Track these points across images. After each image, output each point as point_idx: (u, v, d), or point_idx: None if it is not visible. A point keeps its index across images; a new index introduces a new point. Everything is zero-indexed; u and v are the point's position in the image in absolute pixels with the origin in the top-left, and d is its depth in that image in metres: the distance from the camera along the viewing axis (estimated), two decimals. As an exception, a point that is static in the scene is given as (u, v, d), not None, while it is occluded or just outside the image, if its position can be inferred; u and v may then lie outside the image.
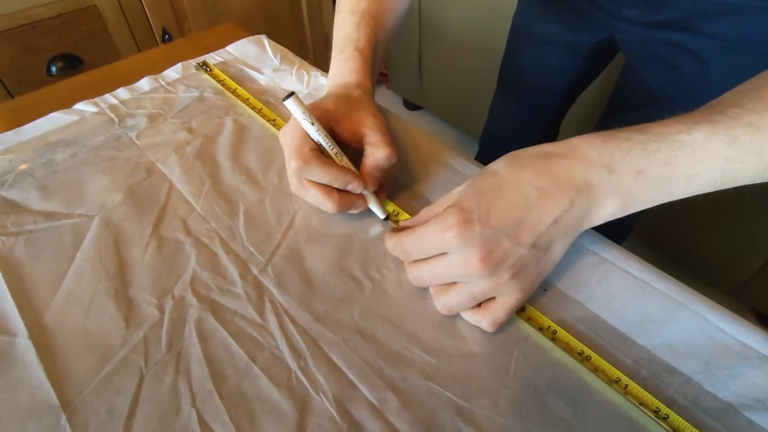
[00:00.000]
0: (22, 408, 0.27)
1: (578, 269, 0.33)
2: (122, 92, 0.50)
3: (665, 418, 0.26)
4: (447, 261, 0.29)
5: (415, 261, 0.31)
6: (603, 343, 0.29)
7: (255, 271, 0.34)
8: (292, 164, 0.33)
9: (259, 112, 0.47)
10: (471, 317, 0.30)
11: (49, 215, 0.37)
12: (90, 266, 0.34)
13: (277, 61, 0.54)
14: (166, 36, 1.14)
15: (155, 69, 0.53)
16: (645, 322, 0.30)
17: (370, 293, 0.32)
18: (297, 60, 0.54)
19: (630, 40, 0.53)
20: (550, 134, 0.79)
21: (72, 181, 0.40)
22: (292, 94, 0.33)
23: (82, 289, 0.32)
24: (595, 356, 0.28)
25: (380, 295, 0.32)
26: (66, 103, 0.48)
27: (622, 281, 0.32)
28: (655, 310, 0.31)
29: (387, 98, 1.82)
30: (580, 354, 0.28)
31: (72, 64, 1.03)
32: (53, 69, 1.02)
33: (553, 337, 0.29)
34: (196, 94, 0.50)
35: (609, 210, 0.28)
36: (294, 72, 0.52)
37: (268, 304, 0.32)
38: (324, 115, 0.36)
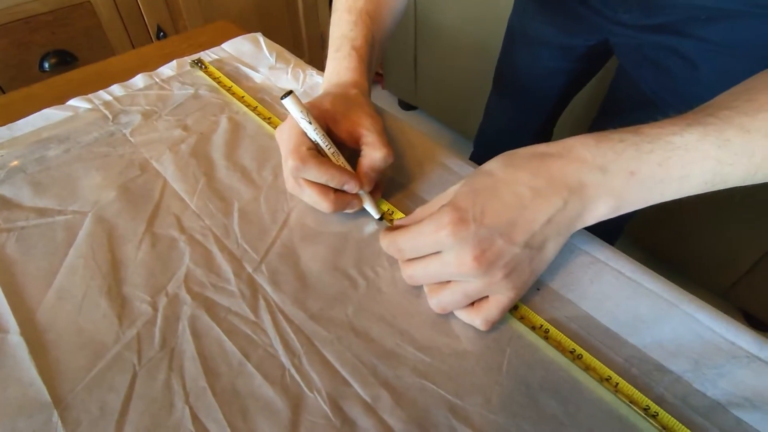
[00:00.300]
0: (13, 405, 0.26)
1: (571, 269, 0.33)
2: (116, 89, 0.49)
3: (654, 416, 0.26)
4: (441, 260, 0.29)
5: (410, 260, 0.31)
6: (594, 342, 0.30)
7: (249, 269, 0.34)
8: (288, 163, 0.33)
9: (254, 110, 0.47)
10: (464, 316, 0.30)
11: (41, 212, 0.37)
12: (83, 263, 0.34)
13: (272, 59, 0.54)
14: (161, 33, 1.14)
15: (150, 66, 0.53)
16: (636, 322, 0.30)
17: (364, 291, 0.32)
18: (293, 58, 0.54)
19: (624, 43, 0.53)
20: (544, 135, 0.79)
21: (65, 178, 0.40)
22: (290, 92, 0.33)
23: (74, 286, 0.32)
24: (586, 355, 0.29)
25: (374, 293, 0.32)
26: (59, 99, 0.48)
27: (614, 281, 0.32)
28: (647, 309, 0.31)
29: (382, 98, 1.82)
30: (571, 353, 0.29)
31: (65, 61, 1.03)
32: (46, 65, 1.01)
33: (545, 335, 0.30)
34: (191, 91, 0.50)
35: (602, 210, 0.29)
36: (289, 70, 0.52)
37: (262, 302, 0.32)
38: (321, 114, 0.36)
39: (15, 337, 0.29)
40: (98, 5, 1.03)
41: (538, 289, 0.33)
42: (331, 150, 0.35)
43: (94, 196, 0.38)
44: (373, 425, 0.26)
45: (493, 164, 0.31)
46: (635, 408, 0.26)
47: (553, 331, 0.30)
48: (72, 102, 0.47)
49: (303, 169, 0.33)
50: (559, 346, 0.29)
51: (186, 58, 0.54)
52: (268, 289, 0.32)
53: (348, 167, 0.36)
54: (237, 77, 0.52)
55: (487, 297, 0.29)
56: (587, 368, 0.28)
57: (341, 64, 0.41)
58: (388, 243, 0.32)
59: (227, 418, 0.26)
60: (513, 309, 0.31)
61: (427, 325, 0.31)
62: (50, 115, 0.46)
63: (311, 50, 1.53)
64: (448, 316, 0.31)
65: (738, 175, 0.28)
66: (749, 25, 0.42)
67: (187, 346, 0.29)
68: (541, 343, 0.30)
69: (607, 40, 0.56)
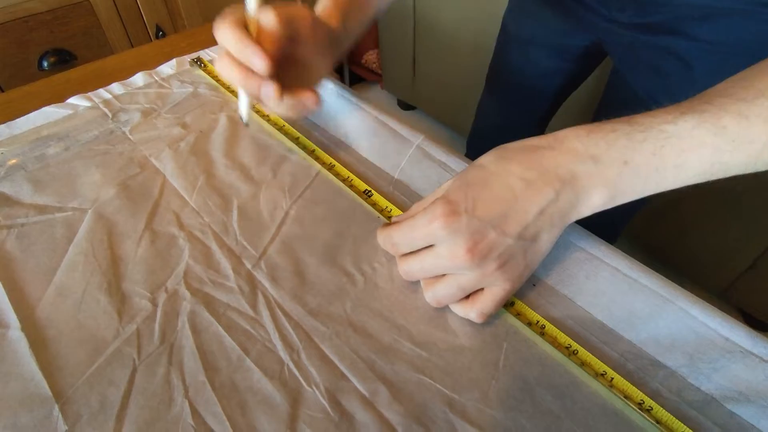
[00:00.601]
0: (14, 399, 0.27)
1: (567, 265, 0.34)
2: (116, 87, 0.50)
3: (649, 410, 0.26)
4: (434, 253, 0.29)
5: (405, 255, 0.31)
6: (590, 338, 0.30)
7: (248, 266, 0.34)
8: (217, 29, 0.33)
9: (253, 108, 0.47)
10: (459, 309, 0.30)
11: (41, 209, 0.37)
12: (83, 259, 0.34)
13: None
14: (160, 33, 1.14)
15: (149, 64, 0.53)
16: (632, 317, 0.31)
17: (362, 287, 0.33)
18: (291, 57, 0.55)
19: (617, 43, 0.54)
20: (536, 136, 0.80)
21: (65, 175, 0.40)
22: None
23: (74, 282, 0.32)
24: (582, 350, 0.29)
25: (372, 289, 0.33)
26: (59, 97, 0.48)
27: (609, 277, 0.33)
28: (642, 305, 0.31)
29: (381, 98, 1.82)
30: (567, 348, 0.29)
31: (64, 60, 1.03)
32: (45, 64, 1.01)
33: (541, 331, 0.30)
34: (190, 89, 0.50)
35: (596, 201, 0.29)
36: (288, 69, 0.52)
37: (261, 298, 0.32)
38: (300, 18, 0.35)
39: (16, 333, 0.29)
40: (97, 4, 1.03)
41: (534, 285, 0.33)
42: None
43: (94, 194, 0.38)
44: (371, 419, 0.26)
45: (486, 158, 0.31)
46: (630, 402, 0.27)
47: (549, 327, 0.30)
48: (72, 100, 0.48)
49: (220, 29, 0.33)
50: (555, 342, 0.29)
51: (185, 56, 0.54)
52: (267, 285, 0.33)
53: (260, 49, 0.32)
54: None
55: (482, 289, 0.30)
56: (583, 364, 0.28)
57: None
58: (383, 239, 0.32)
59: (226, 412, 0.26)
60: (509, 305, 0.31)
61: (425, 320, 0.31)
62: (50, 113, 0.46)
63: (310, 50, 1.53)
64: (444, 311, 0.31)
65: (738, 162, 0.27)
66: (742, 24, 0.42)
67: (187, 341, 0.29)
68: (537, 338, 0.30)
69: (600, 40, 0.56)
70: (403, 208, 0.37)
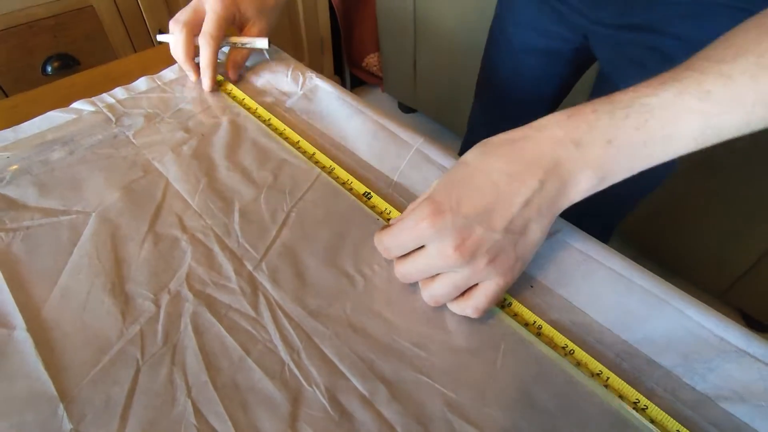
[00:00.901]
0: (20, 398, 0.27)
1: (564, 266, 0.34)
2: (119, 92, 0.50)
3: (644, 410, 0.27)
4: (426, 253, 0.29)
5: (400, 258, 0.32)
6: (586, 338, 0.30)
7: (249, 267, 0.34)
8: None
9: (254, 112, 0.48)
10: (456, 307, 0.31)
11: (46, 212, 0.38)
12: (87, 262, 0.34)
13: (273, 63, 0.55)
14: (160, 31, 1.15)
15: (152, 69, 0.54)
16: (627, 318, 0.31)
17: (361, 289, 0.33)
18: (292, 61, 0.55)
19: (604, 44, 0.54)
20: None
21: (69, 179, 0.41)
22: None
23: (79, 284, 0.33)
24: (578, 350, 0.29)
25: (371, 290, 0.33)
26: (63, 102, 0.48)
27: (605, 277, 0.33)
28: (638, 305, 0.32)
29: (382, 101, 1.83)
30: (564, 348, 0.29)
31: (68, 64, 1.04)
32: (49, 69, 1.02)
33: (538, 332, 0.30)
34: (192, 94, 0.50)
35: (584, 185, 0.29)
36: (289, 73, 0.53)
37: (262, 299, 0.32)
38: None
39: (22, 333, 0.30)
40: (101, 10, 1.04)
41: (532, 287, 0.33)
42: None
43: (98, 197, 0.39)
44: (370, 418, 0.27)
45: (469, 154, 0.31)
46: (625, 402, 0.27)
47: (546, 327, 0.30)
48: (75, 105, 0.48)
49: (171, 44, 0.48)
50: (551, 342, 0.30)
51: (188, 61, 0.55)
52: (268, 286, 0.33)
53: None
54: (238, 80, 0.53)
55: (476, 285, 0.30)
56: (579, 363, 0.29)
57: None
58: (377, 243, 0.32)
59: (228, 411, 0.27)
60: (506, 305, 0.32)
61: (423, 321, 0.31)
62: (54, 117, 0.47)
63: (311, 54, 1.54)
64: (443, 312, 0.32)
65: (730, 124, 0.27)
66: (726, 21, 0.43)
67: (189, 341, 0.30)
68: (534, 339, 0.30)
69: (587, 42, 0.56)
70: (403, 210, 0.38)
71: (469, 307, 0.30)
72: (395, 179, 0.41)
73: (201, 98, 0.50)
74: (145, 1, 1.10)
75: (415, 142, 0.43)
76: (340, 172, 0.41)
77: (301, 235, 0.37)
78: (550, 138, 0.29)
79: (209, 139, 0.45)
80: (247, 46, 0.52)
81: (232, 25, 0.51)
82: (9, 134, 0.45)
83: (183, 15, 0.49)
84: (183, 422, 0.26)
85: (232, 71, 0.52)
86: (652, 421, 0.26)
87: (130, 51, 1.12)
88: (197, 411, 0.27)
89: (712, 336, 0.30)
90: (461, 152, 0.87)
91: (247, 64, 0.56)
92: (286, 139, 0.45)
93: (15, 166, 0.41)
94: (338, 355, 0.29)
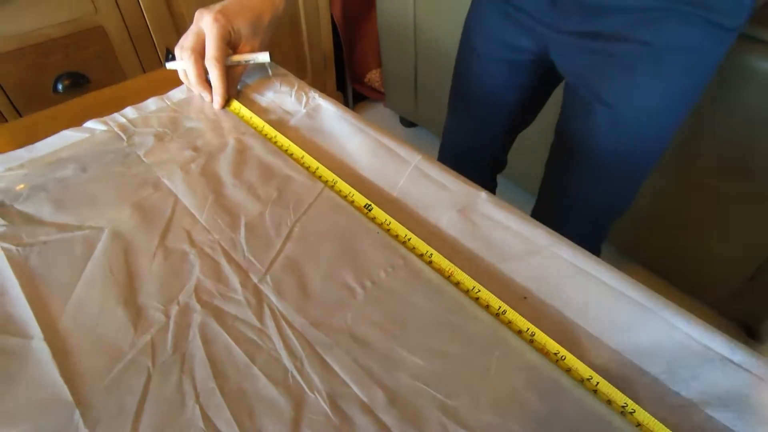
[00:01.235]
0: (38, 404, 0.29)
1: (556, 279, 0.36)
2: (130, 111, 0.52)
3: (631, 413, 0.28)
4: None
5: None
6: (577, 346, 0.32)
7: (255, 280, 0.36)
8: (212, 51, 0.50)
9: (260, 130, 0.50)
10: None
11: (61, 227, 0.40)
12: (100, 275, 0.36)
13: (277, 83, 0.57)
14: (170, 56, 1.18)
15: (161, 89, 0.56)
16: (616, 327, 0.32)
17: (362, 300, 0.35)
18: (296, 81, 0.57)
19: (564, 51, 0.57)
20: (500, 157, 0.83)
21: (83, 196, 0.43)
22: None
23: (93, 296, 0.35)
24: (569, 356, 0.31)
25: (371, 301, 0.35)
26: (77, 121, 0.51)
27: (596, 288, 0.35)
28: (626, 315, 0.33)
29: (385, 116, 1.86)
30: (555, 354, 0.31)
31: (78, 82, 1.07)
32: (60, 87, 1.05)
33: (531, 339, 0.32)
34: (200, 114, 0.53)
35: None
36: (293, 93, 0.55)
37: (266, 310, 0.34)
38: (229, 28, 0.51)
39: (39, 343, 0.32)
40: (110, 30, 1.08)
41: (525, 298, 0.35)
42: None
43: (111, 213, 0.41)
44: (369, 423, 0.28)
45: None
46: (613, 406, 0.28)
47: (539, 335, 0.32)
48: (88, 124, 0.50)
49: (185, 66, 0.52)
50: (543, 350, 0.31)
51: (195, 81, 0.57)
52: (273, 298, 0.35)
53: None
54: (244, 99, 0.55)
55: None
56: (569, 369, 0.30)
57: None
58: None
59: (235, 416, 0.28)
60: (501, 313, 0.33)
61: (421, 331, 0.33)
62: (68, 136, 0.49)
63: (314, 70, 1.58)
64: (439, 323, 0.33)
65: None
66: (678, 26, 0.47)
67: (197, 350, 0.31)
68: (526, 347, 0.32)
69: (550, 50, 0.59)
70: (402, 223, 0.39)
71: None
72: (395, 195, 0.43)
73: (209, 117, 0.52)
74: (154, 21, 1.13)
75: (414, 159, 0.45)
76: (342, 185, 0.43)
77: (305, 248, 0.38)
78: None
79: (216, 157, 0.47)
80: (251, 62, 0.54)
81: (228, 44, 0.53)
82: (25, 153, 0.47)
83: (187, 42, 0.52)
84: (192, 427, 0.28)
85: (231, 87, 0.55)
86: (639, 425, 0.28)
87: (138, 69, 1.16)
88: (205, 416, 0.28)
89: (697, 344, 0.31)
90: (438, 159, 0.90)
91: (250, 82, 0.58)
92: (291, 155, 0.47)
93: (31, 183, 0.43)
94: (339, 363, 0.31)
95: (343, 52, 1.66)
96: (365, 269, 0.37)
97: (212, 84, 0.52)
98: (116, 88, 0.59)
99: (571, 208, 0.68)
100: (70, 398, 0.29)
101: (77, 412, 0.28)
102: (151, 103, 0.54)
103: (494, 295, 0.34)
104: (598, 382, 0.29)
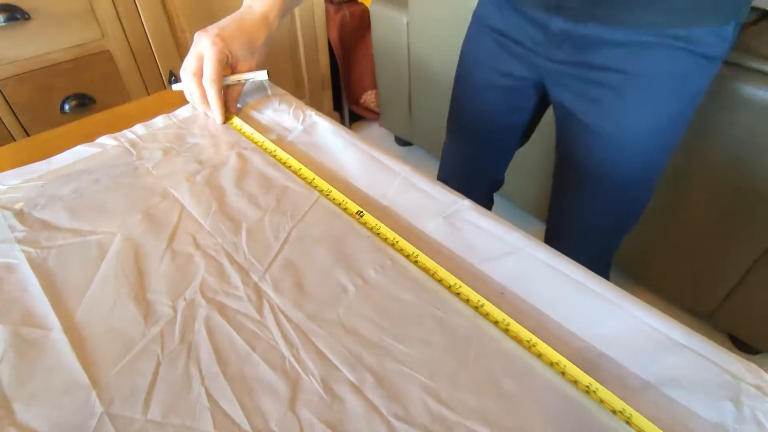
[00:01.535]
0: (58, 387, 0.32)
1: (530, 276, 0.39)
2: (139, 128, 0.56)
3: (595, 392, 0.31)
4: None
5: None
6: (548, 335, 0.35)
7: (255, 278, 0.39)
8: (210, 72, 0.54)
9: (261, 145, 0.53)
10: None
11: (76, 232, 0.43)
12: (113, 274, 0.39)
13: (276, 102, 0.62)
14: (173, 78, 1.23)
15: (168, 108, 0.60)
16: (583, 318, 0.36)
17: (353, 296, 0.38)
18: (294, 101, 0.62)
19: (557, 80, 0.61)
20: (498, 178, 0.86)
21: (96, 204, 0.46)
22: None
23: (106, 293, 0.38)
24: (540, 343, 0.34)
25: (362, 297, 0.38)
26: (89, 138, 0.54)
27: (566, 285, 0.38)
28: (593, 308, 0.36)
29: (380, 135, 1.91)
30: (528, 341, 0.34)
31: (84, 103, 1.11)
32: (66, 107, 1.10)
33: (506, 329, 0.35)
34: (205, 131, 0.56)
35: None
36: (291, 111, 0.59)
37: (266, 305, 0.37)
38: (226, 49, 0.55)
39: (58, 334, 0.35)
40: (116, 53, 1.13)
41: (502, 293, 0.38)
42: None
43: (122, 219, 0.44)
44: (359, 402, 0.31)
45: None
46: (579, 386, 0.31)
47: (513, 325, 0.35)
48: (101, 140, 0.54)
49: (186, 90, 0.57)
50: (517, 338, 0.34)
51: (200, 101, 0.61)
52: (271, 294, 0.38)
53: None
54: (245, 117, 0.59)
55: None
56: (540, 355, 0.33)
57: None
58: None
59: (237, 396, 0.31)
60: (480, 306, 0.36)
61: (406, 323, 0.36)
62: (82, 151, 0.53)
63: (312, 91, 1.63)
64: (423, 316, 0.36)
65: None
66: (665, 56, 0.50)
67: (203, 340, 0.34)
68: (501, 335, 0.35)
69: (544, 78, 0.62)
70: (391, 228, 0.43)
71: None
72: (384, 202, 0.47)
73: (212, 134, 0.56)
74: (158, 45, 1.18)
75: (402, 170, 0.49)
76: (336, 194, 0.47)
77: (301, 250, 0.42)
78: None
79: (219, 169, 0.51)
80: (250, 80, 0.58)
81: (226, 64, 0.57)
82: (43, 165, 0.50)
83: (189, 65, 0.55)
84: (198, 405, 0.31)
85: (231, 105, 0.59)
86: (602, 401, 0.31)
87: (143, 90, 1.20)
88: (210, 396, 0.31)
89: (656, 332, 0.35)
90: (438, 177, 0.93)
91: (251, 101, 0.62)
92: (289, 167, 0.50)
93: (49, 193, 0.47)
94: (331, 351, 0.34)
95: (340, 75, 1.73)
96: (357, 268, 0.40)
97: (210, 103, 0.56)
98: (126, 107, 0.63)
99: (579, 228, 0.71)
100: (87, 381, 0.32)
101: (93, 393, 0.31)
102: (159, 121, 0.58)
103: (474, 290, 0.37)
104: (565, 366, 0.32)
